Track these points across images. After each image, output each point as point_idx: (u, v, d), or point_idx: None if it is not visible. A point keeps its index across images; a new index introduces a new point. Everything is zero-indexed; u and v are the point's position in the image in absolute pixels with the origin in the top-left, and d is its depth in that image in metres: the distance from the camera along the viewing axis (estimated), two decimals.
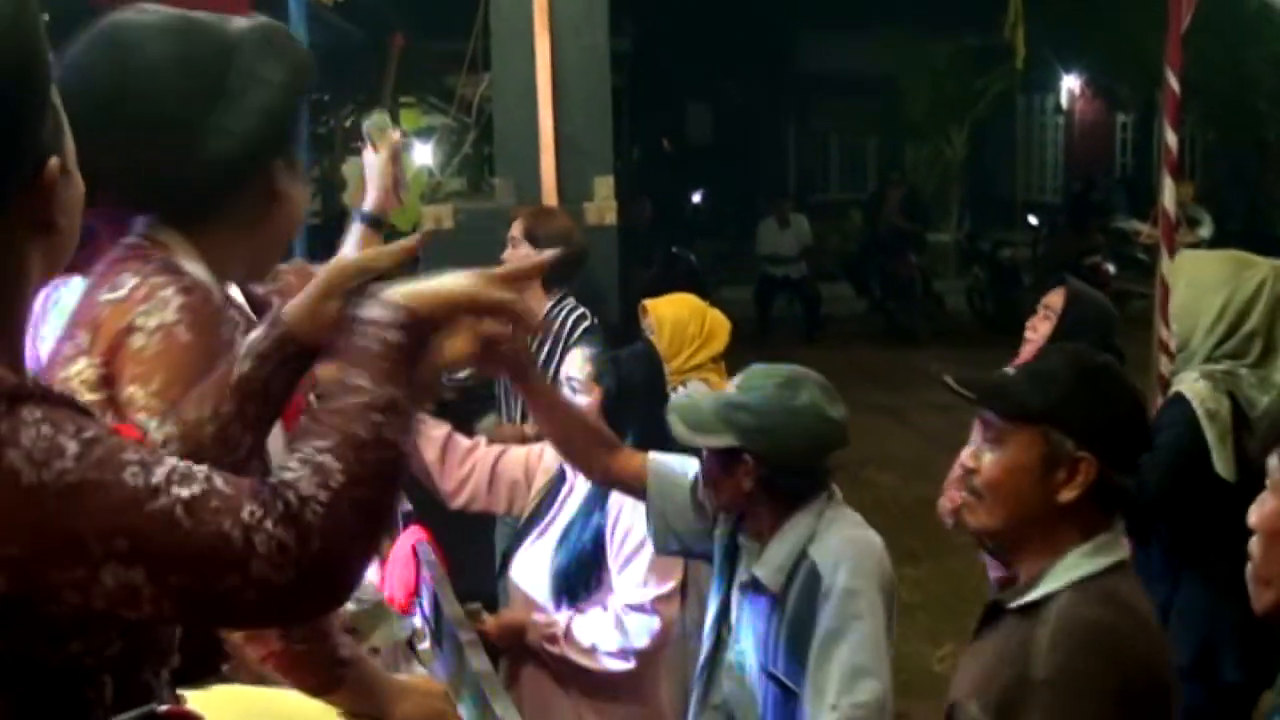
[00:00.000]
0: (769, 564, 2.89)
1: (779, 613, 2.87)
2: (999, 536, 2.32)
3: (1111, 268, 15.04)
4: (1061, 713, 2.08)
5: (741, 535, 3.03)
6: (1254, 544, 1.77)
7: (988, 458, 2.28)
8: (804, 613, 2.81)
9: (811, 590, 2.82)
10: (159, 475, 1.26)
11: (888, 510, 8.16)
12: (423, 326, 1.47)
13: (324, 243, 9.50)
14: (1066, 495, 2.22)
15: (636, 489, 3.15)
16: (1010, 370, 2.36)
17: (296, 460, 1.32)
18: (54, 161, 1.34)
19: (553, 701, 3.65)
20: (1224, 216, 18.01)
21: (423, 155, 8.44)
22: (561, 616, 3.58)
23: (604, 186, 5.50)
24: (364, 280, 1.60)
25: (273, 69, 2.04)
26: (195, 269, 2.00)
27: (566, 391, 3.68)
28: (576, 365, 3.69)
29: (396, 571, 3.36)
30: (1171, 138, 5.84)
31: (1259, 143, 20.52)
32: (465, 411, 4.58)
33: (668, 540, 3.17)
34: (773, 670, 2.87)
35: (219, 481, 1.28)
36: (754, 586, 2.93)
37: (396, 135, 3.22)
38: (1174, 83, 5.72)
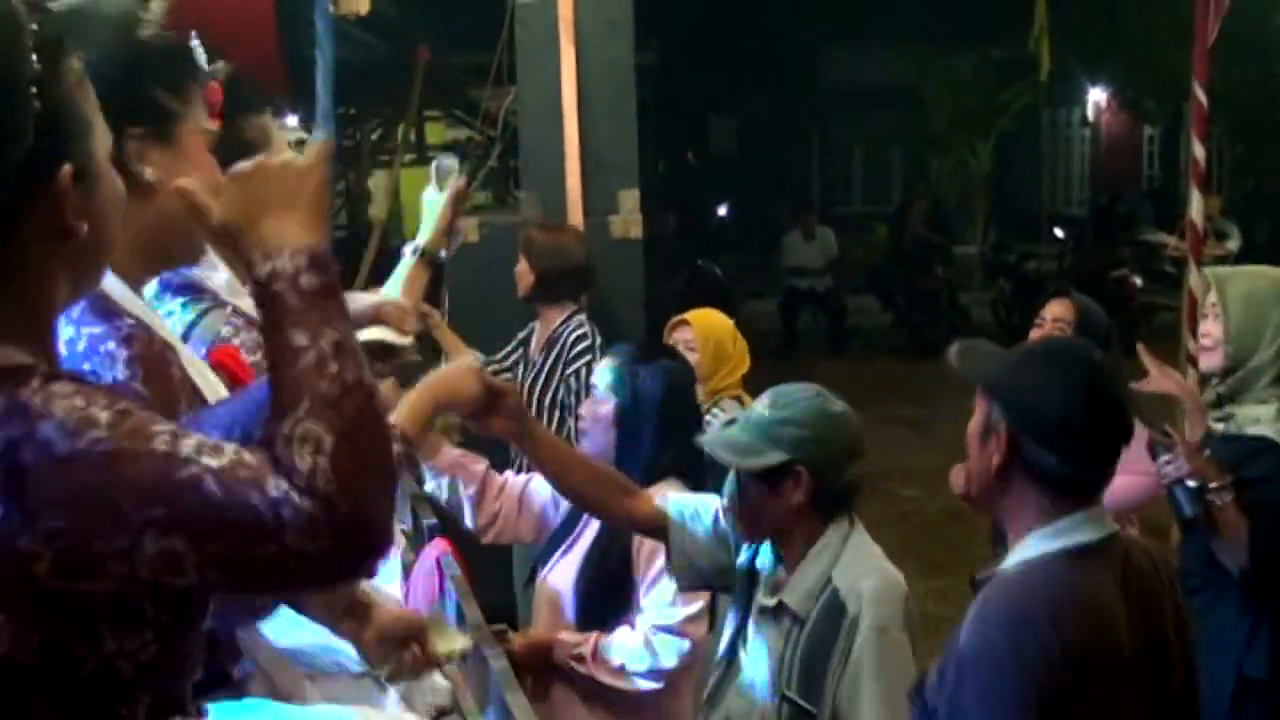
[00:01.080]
0: (798, 589, 2.91)
1: (798, 635, 2.89)
2: (973, 501, 2.49)
3: (1138, 281, 14.97)
4: (974, 682, 2.24)
5: (760, 562, 3.04)
6: None
7: (971, 422, 2.45)
8: (824, 637, 2.84)
9: (834, 617, 2.84)
10: (189, 446, 1.28)
11: (911, 522, 8.14)
12: (327, 259, 1.43)
13: (349, 255, 9.51)
14: (995, 460, 2.36)
15: (655, 530, 3.16)
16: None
17: (281, 442, 1.32)
18: (66, 169, 1.35)
19: None
20: (1251, 229, 17.92)
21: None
22: (589, 636, 3.57)
23: (629, 200, 5.51)
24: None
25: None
26: None
27: (587, 402, 3.67)
28: (599, 374, 3.68)
29: (420, 584, 3.36)
30: (1199, 150, 5.82)
31: None
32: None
33: (691, 577, 3.20)
34: (787, 693, 2.87)
35: (247, 456, 1.30)
36: (775, 612, 2.94)
37: (463, 181, 3.22)
38: (1201, 95, 5.71)
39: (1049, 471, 2.33)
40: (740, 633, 3.05)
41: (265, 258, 1.41)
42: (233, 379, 2.24)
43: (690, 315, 4.64)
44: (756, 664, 2.98)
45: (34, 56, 1.33)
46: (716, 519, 3.11)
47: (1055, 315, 4.49)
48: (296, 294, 1.39)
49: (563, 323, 4.94)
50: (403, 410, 2.57)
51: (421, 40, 9.79)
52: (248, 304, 2.40)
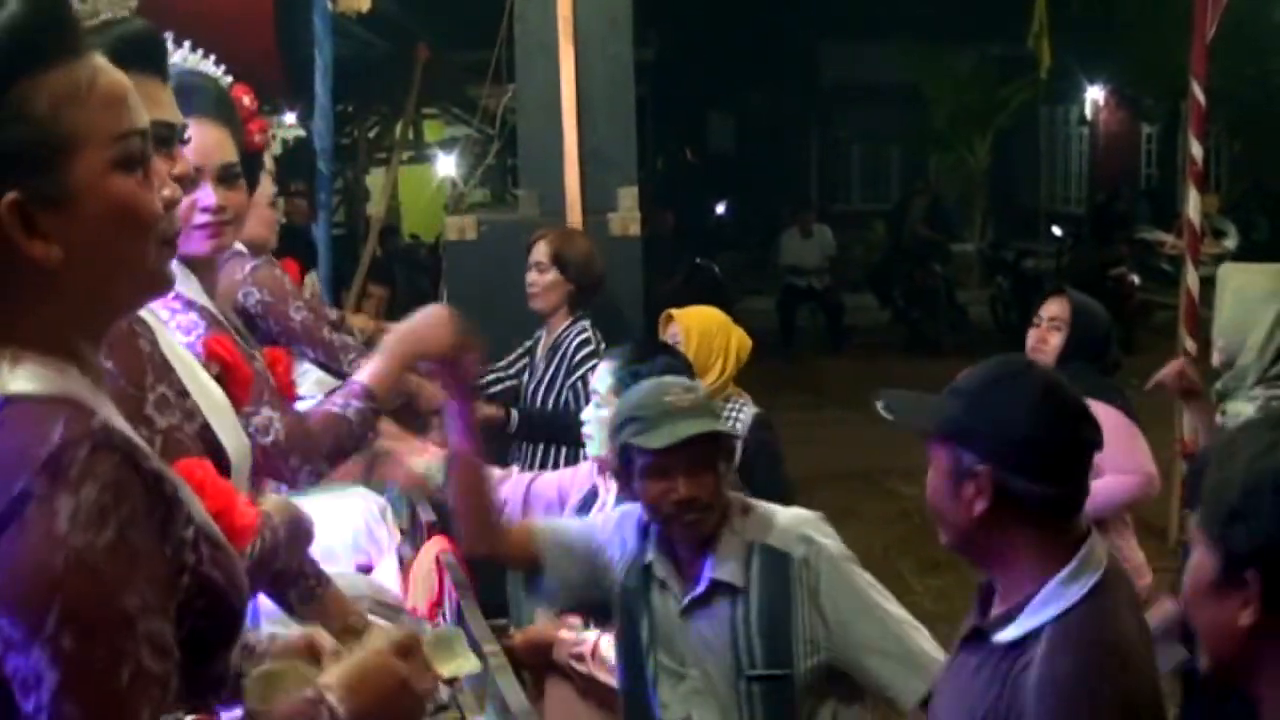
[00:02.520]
0: (726, 564, 2.91)
1: (745, 610, 2.89)
2: (961, 552, 2.34)
3: (1136, 279, 14.98)
4: None
5: (660, 565, 3.00)
6: (1184, 606, 1.69)
7: (928, 478, 2.29)
8: (776, 594, 2.87)
9: (779, 570, 2.88)
10: (145, 626, 1.26)
11: (911, 520, 8.13)
12: None
13: (347, 254, 9.51)
14: (979, 509, 2.17)
15: (524, 562, 3.11)
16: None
17: None
18: (8, 198, 1.30)
19: (577, 717, 3.64)
20: (1249, 227, 17.93)
21: (446, 166, 8.46)
22: (589, 634, 3.57)
23: (628, 197, 5.50)
24: None
25: None
26: None
27: (590, 406, 3.66)
28: (600, 378, 3.67)
29: (420, 582, 3.36)
30: (1196, 148, 5.83)
31: None
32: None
33: (571, 600, 3.21)
34: (751, 672, 2.88)
35: (171, 685, 1.28)
36: (705, 599, 2.93)
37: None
38: (1199, 93, 5.72)
39: (1038, 500, 2.17)
40: (651, 647, 3.01)
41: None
42: (225, 367, 2.23)
43: (677, 311, 4.65)
44: (697, 663, 2.96)
45: None
46: (599, 545, 3.09)
47: (1051, 314, 4.47)
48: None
49: (567, 328, 4.92)
50: (373, 369, 2.59)
51: (420, 38, 9.78)
52: (191, 289, 2.40)
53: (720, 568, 2.91)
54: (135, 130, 1.40)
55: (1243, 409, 3.82)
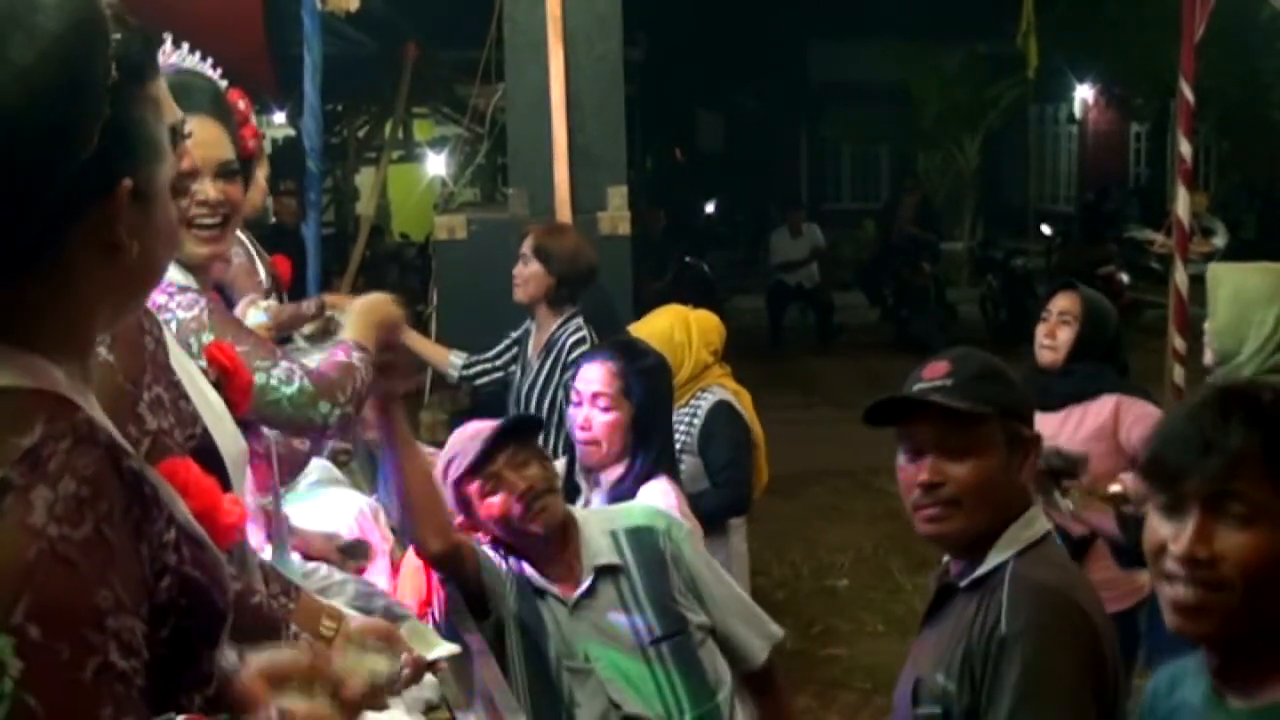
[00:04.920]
0: (598, 553, 3.02)
1: (629, 584, 3.01)
2: (980, 536, 2.37)
3: (1125, 277, 15.01)
4: (1036, 661, 2.18)
5: (534, 576, 3.01)
6: (1226, 574, 1.69)
7: (956, 468, 2.33)
8: (651, 561, 3.03)
9: (648, 541, 3.06)
10: (115, 623, 1.25)
11: (899, 519, 8.09)
12: None
13: (337, 253, 9.48)
14: (1026, 475, 2.39)
15: (459, 570, 3.01)
16: (937, 381, 2.37)
17: None
18: (125, 184, 1.34)
19: None
20: (1237, 226, 17.98)
21: (436, 165, 8.46)
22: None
23: (617, 196, 5.51)
24: None
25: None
26: None
27: (595, 410, 3.60)
28: (601, 380, 3.61)
29: (409, 579, 3.36)
30: (1185, 147, 5.84)
31: (1273, 151, 20.46)
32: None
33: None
34: (655, 638, 2.96)
35: (138, 683, 1.27)
36: (588, 593, 2.99)
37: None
38: (1188, 92, 5.73)
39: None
40: (558, 658, 2.98)
41: None
42: (224, 372, 2.24)
43: (634, 326, 4.82)
44: (600, 651, 2.97)
45: (114, 65, 1.33)
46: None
47: (1061, 309, 4.42)
48: None
49: (561, 325, 4.91)
50: (350, 335, 2.63)
51: (409, 37, 9.78)
52: (186, 280, 2.42)
53: (596, 554, 3.02)
54: (179, 154, 1.49)
55: None
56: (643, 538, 3.06)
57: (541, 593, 3.00)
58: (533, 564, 3.01)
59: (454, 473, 3.00)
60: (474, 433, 3.05)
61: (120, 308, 1.45)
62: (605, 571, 3.00)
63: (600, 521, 3.11)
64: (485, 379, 5.15)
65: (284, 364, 2.48)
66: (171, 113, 1.87)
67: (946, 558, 2.46)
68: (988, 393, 2.34)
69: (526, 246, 4.95)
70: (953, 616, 2.37)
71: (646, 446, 3.56)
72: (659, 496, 3.49)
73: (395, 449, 2.86)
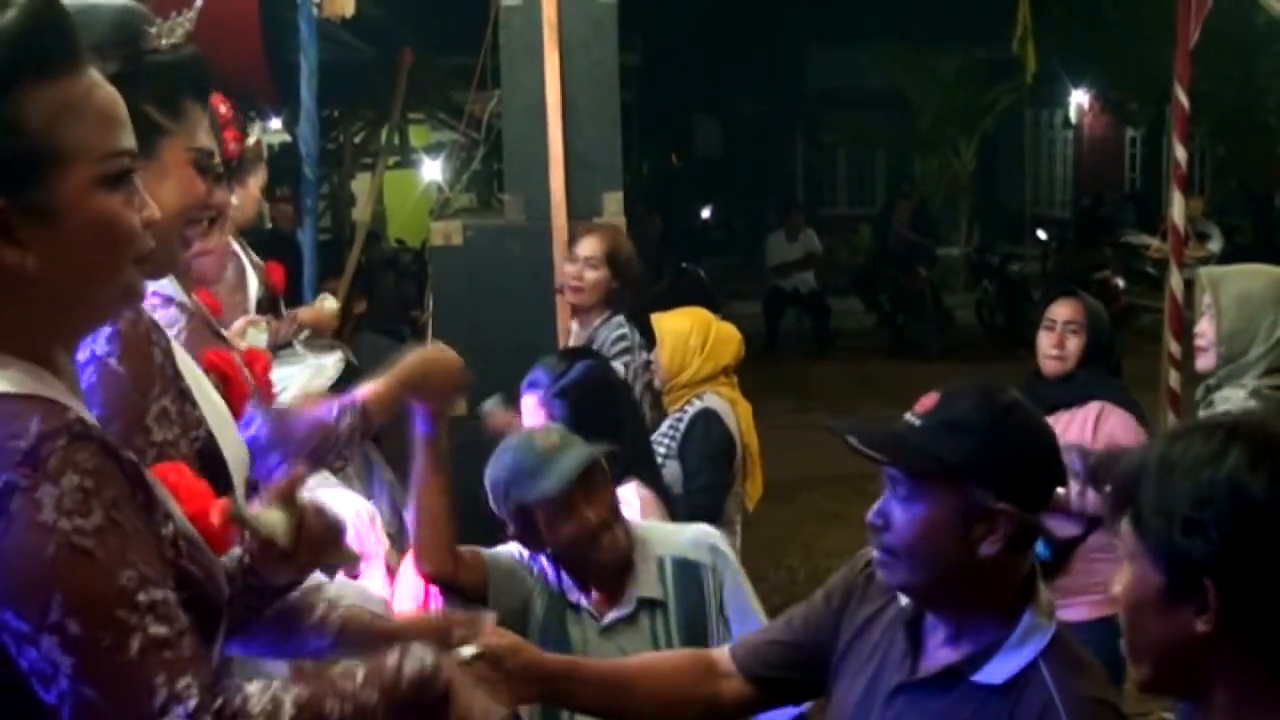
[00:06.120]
0: (646, 581, 2.98)
1: (664, 622, 2.97)
2: (923, 594, 2.17)
3: (1120, 282, 15.02)
4: None
5: (573, 590, 3.00)
6: (1122, 620, 1.65)
7: (899, 515, 2.12)
8: (694, 603, 2.98)
9: (693, 579, 3.00)
10: (146, 597, 1.28)
11: None
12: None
13: (333, 258, 9.50)
14: (988, 549, 2.06)
15: (472, 588, 3.04)
16: (913, 419, 2.14)
17: (262, 684, 1.35)
18: None
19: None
20: (1233, 230, 17.99)
21: (432, 171, 8.44)
22: None
23: (613, 202, 5.50)
24: None
25: None
26: None
27: None
28: (530, 409, 3.57)
29: (406, 583, 3.35)
30: (1180, 152, 5.84)
31: (1268, 156, 20.49)
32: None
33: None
34: None
35: (186, 642, 1.30)
36: (627, 620, 2.96)
37: None
38: (1183, 97, 5.73)
39: (1043, 537, 2.16)
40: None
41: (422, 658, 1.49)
42: (224, 380, 2.24)
43: (656, 315, 4.69)
44: None
45: None
46: (522, 574, 3.08)
47: (1067, 317, 4.38)
48: (401, 690, 1.44)
49: (603, 323, 4.83)
50: (374, 388, 2.62)
51: (405, 43, 9.77)
52: (172, 289, 2.41)
53: (643, 585, 2.98)
54: (125, 149, 1.41)
55: (1231, 394, 3.83)
56: (688, 572, 3.01)
57: (576, 607, 3.01)
58: (578, 580, 3.00)
59: (521, 494, 2.94)
60: (539, 449, 2.97)
61: (75, 314, 1.42)
62: (646, 604, 2.99)
63: (655, 544, 3.04)
64: None
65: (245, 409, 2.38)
66: (208, 139, 1.88)
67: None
68: (951, 445, 2.07)
69: (593, 250, 4.82)
70: (951, 716, 2.11)
71: None
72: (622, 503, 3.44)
73: (424, 468, 2.94)
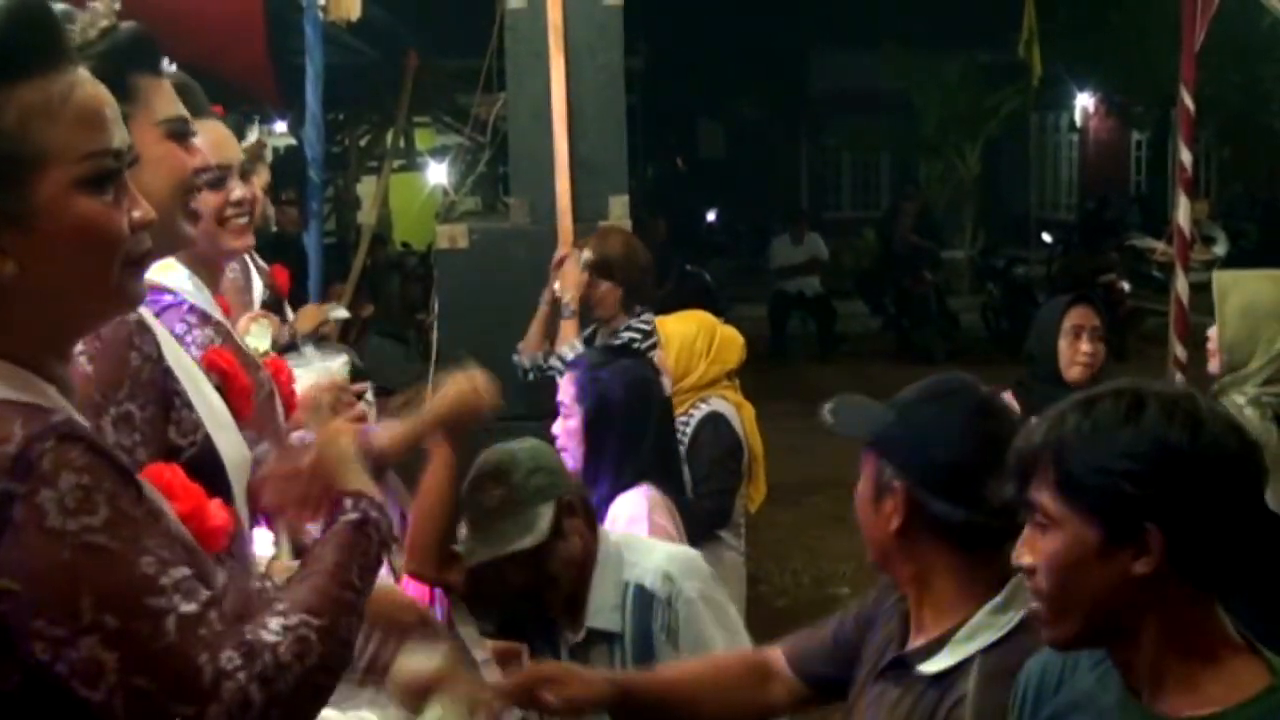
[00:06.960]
0: (600, 611, 2.92)
1: (620, 655, 2.91)
2: (881, 568, 2.27)
3: (1126, 285, 14.99)
4: None
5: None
6: (1045, 582, 1.73)
7: (858, 486, 2.25)
8: (644, 635, 2.87)
9: (647, 610, 2.88)
10: (169, 578, 1.29)
11: None
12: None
13: (339, 262, 9.49)
14: (894, 524, 2.14)
15: (456, 588, 3.11)
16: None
17: (279, 623, 1.36)
18: None
19: None
20: (1238, 234, 17.98)
21: (437, 175, 8.44)
22: None
23: (619, 206, 5.50)
24: None
25: None
26: None
27: (562, 418, 3.56)
28: (563, 387, 3.57)
29: (410, 587, 3.35)
30: (1186, 155, 5.84)
31: (1274, 159, 20.48)
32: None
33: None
34: None
35: (214, 614, 1.31)
36: (582, 649, 2.93)
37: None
38: (1188, 100, 5.73)
39: (959, 525, 2.09)
40: None
41: (354, 501, 1.58)
42: (224, 379, 2.24)
43: (661, 318, 4.67)
44: None
45: None
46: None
47: (1094, 324, 4.37)
48: (379, 557, 1.53)
49: (631, 323, 4.76)
50: (400, 430, 2.64)
51: (411, 46, 9.79)
52: (203, 301, 2.43)
53: (596, 615, 2.93)
54: (108, 150, 1.38)
55: (1237, 399, 3.82)
56: (644, 601, 2.90)
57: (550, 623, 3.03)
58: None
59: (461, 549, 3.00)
60: (486, 506, 2.97)
61: (62, 319, 1.41)
62: (599, 634, 2.94)
63: (628, 566, 2.96)
64: (533, 376, 4.97)
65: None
66: (178, 107, 1.86)
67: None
68: (875, 420, 2.21)
69: (587, 263, 4.78)
70: (907, 706, 2.14)
71: (598, 453, 3.45)
72: (628, 506, 3.43)
73: (434, 475, 2.99)
